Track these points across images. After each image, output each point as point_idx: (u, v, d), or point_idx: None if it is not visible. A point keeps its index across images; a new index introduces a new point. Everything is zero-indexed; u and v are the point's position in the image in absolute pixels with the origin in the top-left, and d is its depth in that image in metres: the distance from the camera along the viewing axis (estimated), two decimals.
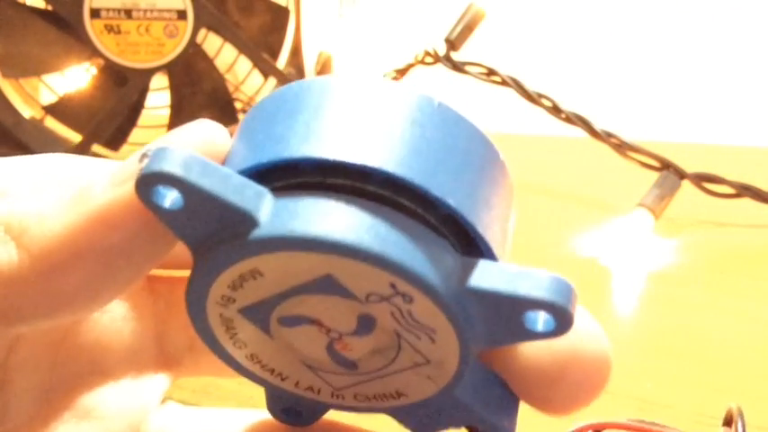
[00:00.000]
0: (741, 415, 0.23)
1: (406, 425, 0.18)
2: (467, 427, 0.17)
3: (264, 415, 0.19)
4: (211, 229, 0.15)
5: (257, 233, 0.14)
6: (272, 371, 0.17)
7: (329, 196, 0.14)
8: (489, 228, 0.15)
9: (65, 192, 0.16)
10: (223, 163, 0.16)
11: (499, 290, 0.14)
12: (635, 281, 0.53)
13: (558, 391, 0.16)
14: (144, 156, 0.15)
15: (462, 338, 0.15)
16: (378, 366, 0.16)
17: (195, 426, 0.20)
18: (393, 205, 0.15)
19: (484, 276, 0.15)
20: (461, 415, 0.17)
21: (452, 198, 0.15)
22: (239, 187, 0.14)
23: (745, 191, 0.60)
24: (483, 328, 0.15)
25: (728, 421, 0.24)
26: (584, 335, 0.16)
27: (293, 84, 0.16)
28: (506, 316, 0.15)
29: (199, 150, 0.15)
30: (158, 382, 0.20)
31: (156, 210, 0.15)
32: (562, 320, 0.14)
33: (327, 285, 0.15)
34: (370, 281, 0.15)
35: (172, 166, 0.14)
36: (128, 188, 0.15)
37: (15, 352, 0.18)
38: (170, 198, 0.14)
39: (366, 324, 0.15)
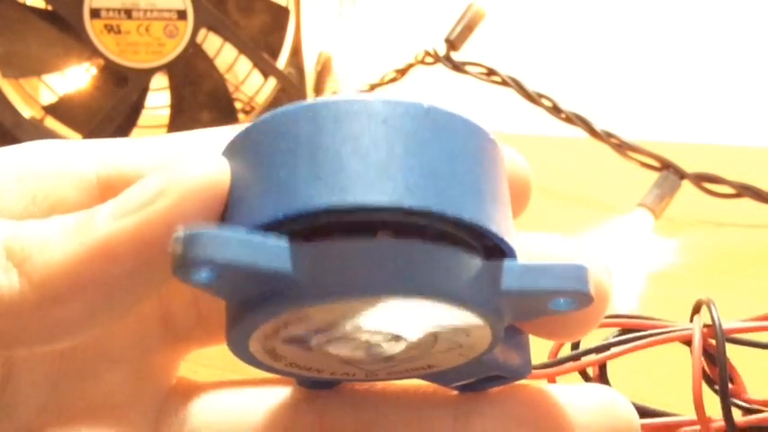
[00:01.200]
0: (710, 304, 0.24)
1: (430, 381, 0.19)
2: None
3: (286, 390, 0.19)
4: (249, 290, 0.15)
5: (297, 294, 0.15)
6: (309, 369, 0.18)
7: (352, 242, 0.15)
8: (503, 223, 0.16)
9: (67, 218, 0.16)
10: (227, 205, 0.16)
11: (526, 288, 0.16)
12: (635, 281, 0.53)
13: (568, 324, 0.18)
14: (176, 240, 0.14)
15: (495, 331, 0.16)
16: (413, 355, 0.17)
17: (217, 405, 0.20)
18: (412, 233, 0.15)
19: (510, 278, 0.16)
20: (484, 368, 0.18)
21: (467, 212, 0.15)
22: (270, 250, 0.15)
23: (745, 191, 0.60)
24: (512, 315, 0.17)
25: (697, 310, 0.24)
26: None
27: (279, 113, 0.16)
28: (534, 305, 0.16)
29: (203, 193, 0.15)
30: (169, 361, 0.20)
31: (194, 285, 0.15)
32: (583, 301, 0.16)
33: (370, 315, 0.16)
34: (411, 308, 0.15)
35: (205, 253, 0.14)
36: (130, 221, 0.15)
37: None
38: (206, 275, 0.15)
39: (403, 348, 0.17)
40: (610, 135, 0.63)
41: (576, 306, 0.16)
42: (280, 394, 0.20)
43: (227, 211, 0.16)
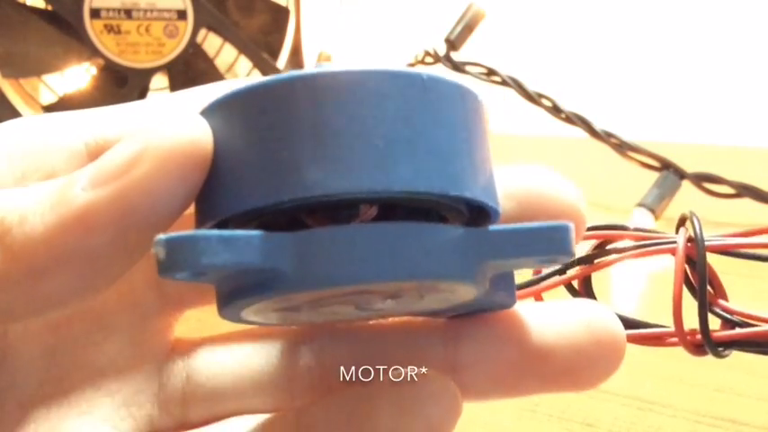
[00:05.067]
0: (693, 216, 0.24)
1: (418, 315, 0.20)
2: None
3: (283, 337, 0.20)
4: (236, 280, 0.15)
5: (283, 284, 0.15)
6: (301, 321, 0.19)
7: (332, 230, 0.15)
8: (485, 184, 0.16)
9: (45, 187, 0.16)
10: (209, 175, 0.16)
11: (510, 255, 0.16)
12: (635, 281, 0.53)
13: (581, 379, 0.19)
14: (157, 244, 0.14)
15: (479, 288, 0.17)
16: (401, 305, 0.18)
17: (218, 358, 0.20)
18: (394, 211, 0.16)
19: (494, 246, 0.16)
20: (470, 307, 0.18)
21: (450, 186, 0.15)
22: (251, 245, 0.15)
23: (745, 191, 0.60)
24: (496, 271, 0.17)
25: (682, 223, 0.24)
26: (598, 321, 0.18)
27: (261, 84, 0.15)
28: (518, 264, 0.17)
29: (182, 158, 0.15)
30: (165, 324, 0.20)
31: (180, 279, 0.15)
32: (565, 258, 0.16)
33: (358, 292, 0.16)
34: (397, 286, 0.16)
35: (187, 258, 0.14)
36: (107, 191, 0.15)
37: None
38: (191, 275, 0.15)
39: (392, 297, 0.17)
40: (610, 135, 0.63)
41: (558, 261, 0.17)
42: (278, 341, 0.20)
43: (210, 183, 0.16)
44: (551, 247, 0.16)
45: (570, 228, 0.16)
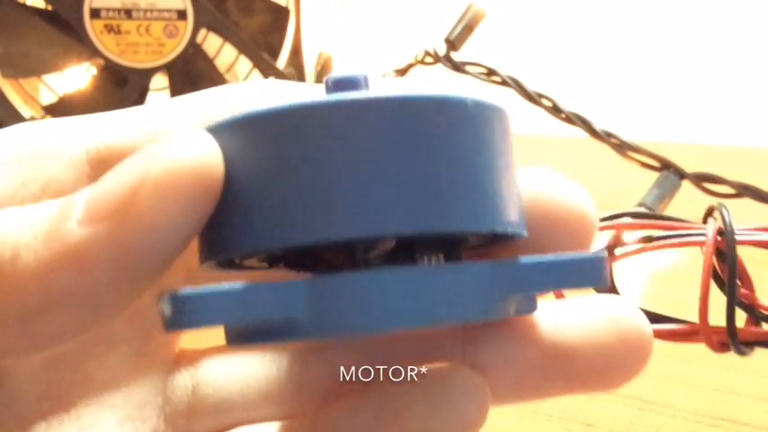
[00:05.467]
0: (723, 207, 0.23)
1: None
2: None
3: (292, 346, 0.19)
4: (246, 329, 0.15)
5: (300, 333, 0.14)
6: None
7: (350, 276, 0.14)
8: (510, 209, 0.15)
9: (40, 214, 0.15)
10: (219, 206, 0.14)
11: (541, 288, 0.16)
12: (635, 281, 0.53)
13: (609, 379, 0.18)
14: (162, 301, 0.14)
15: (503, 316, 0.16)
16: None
17: (225, 369, 0.19)
18: (412, 254, 0.15)
19: (524, 280, 0.15)
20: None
21: (471, 222, 0.14)
22: (262, 297, 0.14)
23: (745, 191, 0.60)
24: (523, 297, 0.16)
25: (710, 213, 0.23)
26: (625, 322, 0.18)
27: (284, 109, 0.14)
28: (546, 292, 0.16)
29: (188, 188, 0.14)
30: (170, 336, 0.20)
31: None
32: (599, 287, 0.16)
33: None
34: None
35: (192, 318, 0.14)
36: (105, 227, 0.14)
37: None
38: (199, 326, 0.14)
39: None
40: (610, 135, 0.63)
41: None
42: (286, 349, 0.19)
43: (216, 213, 0.14)
44: (584, 280, 0.15)
45: (604, 259, 0.15)
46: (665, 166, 0.61)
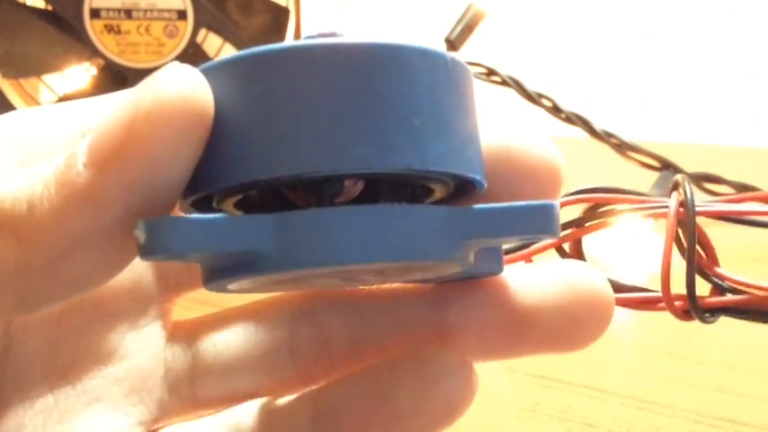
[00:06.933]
0: (685, 180, 0.24)
1: (408, 283, 0.20)
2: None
3: (282, 309, 0.20)
4: (218, 261, 0.15)
5: (266, 265, 0.15)
6: (288, 289, 0.19)
7: (315, 211, 0.15)
8: (471, 155, 0.16)
9: (48, 168, 0.15)
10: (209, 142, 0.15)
11: (493, 234, 0.16)
12: (635, 281, 0.53)
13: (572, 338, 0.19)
14: (138, 228, 0.14)
15: (463, 266, 0.17)
16: (387, 278, 0.18)
17: (220, 336, 0.20)
18: (376, 190, 0.16)
19: (477, 225, 0.16)
20: (461, 274, 0.18)
21: (434, 161, 0.15)
22: (234, 229, 0.15)
23: (745, 191, 0.60)
24: (480, 245, 0.17)
25: (675, 188, 0.24)
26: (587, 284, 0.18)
27: (248, 57, 0.15)
28: (502, 239, 0.17)
29: (183, 112, 0.14)
30: (165, 308, 0.20)
31: (162, 261, 0.15)
32: (550, 237, 0.16)
33: (342, 271, 0.16)
34: (381, 266, 0.16)
35: (166, 244, 0.14)
36: (109, 165, 0.15)
37: None
38: (173, 257, 0.15)
39: (378, 273, 0.17)
40: (610, 135, 0.63)
41: (543, 240, 0.17)
42: (276, 315, 0.20)
43: (208, 151, 0.15)
44: (535, 227, 0.16)
45: (555, 206, 0.16)
46: (665, 165, 0.61)
